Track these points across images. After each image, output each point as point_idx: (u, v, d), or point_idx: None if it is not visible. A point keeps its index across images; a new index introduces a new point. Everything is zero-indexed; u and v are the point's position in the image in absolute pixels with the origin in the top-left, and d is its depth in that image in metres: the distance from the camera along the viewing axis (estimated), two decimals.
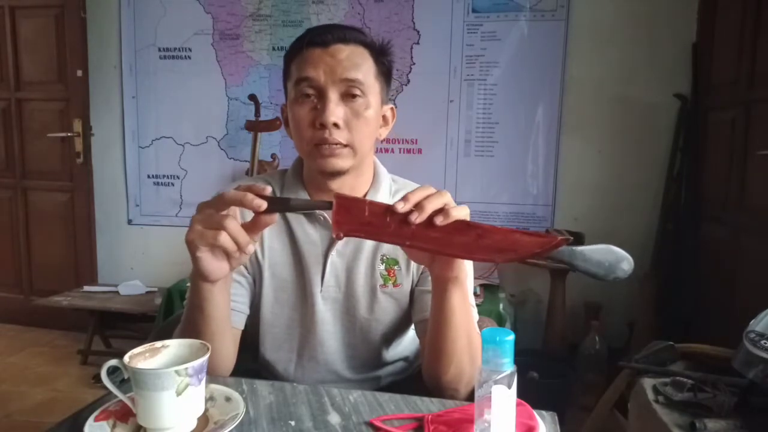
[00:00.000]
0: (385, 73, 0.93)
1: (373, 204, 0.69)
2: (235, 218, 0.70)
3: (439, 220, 0.67)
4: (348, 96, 0.87)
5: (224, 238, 0.69)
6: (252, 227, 0.72)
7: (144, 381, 0.61)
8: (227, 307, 0.82)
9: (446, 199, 0.69)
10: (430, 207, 0.67)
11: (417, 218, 0.67)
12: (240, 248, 0.70)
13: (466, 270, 0.79)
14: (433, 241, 0.68)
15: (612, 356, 2.13)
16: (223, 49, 2.73)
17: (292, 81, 0.90)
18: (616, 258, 0.65)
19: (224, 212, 0.70)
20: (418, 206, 0.67)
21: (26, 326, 3.00)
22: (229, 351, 0.86)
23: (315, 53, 0.87)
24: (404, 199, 0.68)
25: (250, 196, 0.69)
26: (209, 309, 0.77)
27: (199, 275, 0.74)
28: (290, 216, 0.95)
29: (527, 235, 0.67)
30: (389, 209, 0.68)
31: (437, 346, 0.82)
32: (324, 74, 0.86)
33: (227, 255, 0.72)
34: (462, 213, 0.69)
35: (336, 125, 0.86)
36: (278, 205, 0.74)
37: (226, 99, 2.75)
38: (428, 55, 2.55)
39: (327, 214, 0.94)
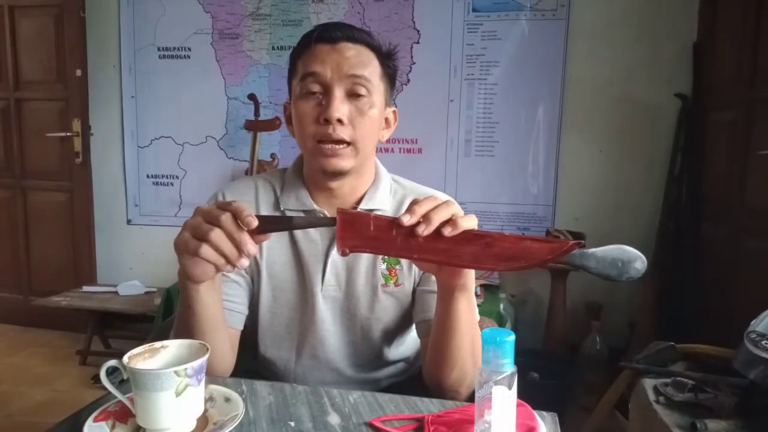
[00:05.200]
0: (390, 75, 0.94)
1: (378, 218, 0.67)
2: (225, 231, 0.68)
3: (448, 231, 0.65)
4: (353, 94, 0.87)
5: (206, 251, 0.68)
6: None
7: (143, 381, 0.61)
8: (217, 305, 0.81)
9: (453, 209, 0.67)
10: (438, 218, 0.65)
11: (424, 230, 0.65)
12: (228, 261, 0.68)
13: (473, 276, 0.78)
14: (441, 253, 0.66)
15: (613, 356, 2.12)
16: (222, 48, 2.73)
17: (297, 77, 0.90)
18: (629, 257, 0.63)
19: (215, 220, 0.68)
20: (425, 218, 0.65)
21: (25, 326, 3.00)
22: (225, 350, 0.85)
23: (323, 49, 0.87)
24: (410, 211, 0.66)
25: (244, 212, 0.67)
26: (198, 308, 0.77)
27: (185, 276, 0.74)
28: (289, 215, 0.94)
29: (537, 241, 0.64)
30: (395, 222, 0.66)
31: (441, 351, 0.82)
32: (331, 70, 0.86)
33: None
34: (470, 223, 0.67)
35: (340, 121, 0.86)
36: (281, 224, 0.75)
37: (226, 98, 2.75)
38: (428, 54, 2.55)
39: (327, 212, 0.94)
